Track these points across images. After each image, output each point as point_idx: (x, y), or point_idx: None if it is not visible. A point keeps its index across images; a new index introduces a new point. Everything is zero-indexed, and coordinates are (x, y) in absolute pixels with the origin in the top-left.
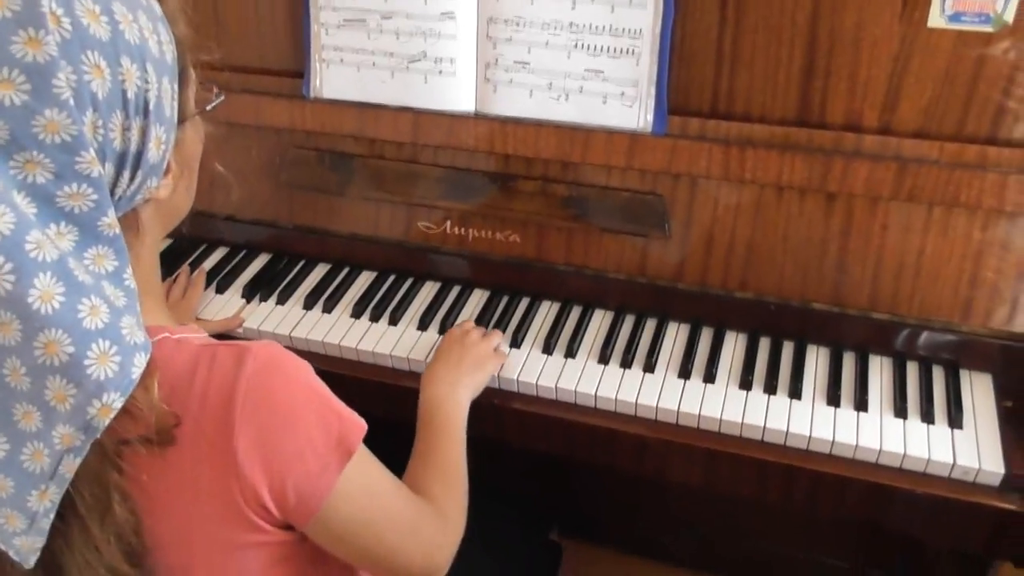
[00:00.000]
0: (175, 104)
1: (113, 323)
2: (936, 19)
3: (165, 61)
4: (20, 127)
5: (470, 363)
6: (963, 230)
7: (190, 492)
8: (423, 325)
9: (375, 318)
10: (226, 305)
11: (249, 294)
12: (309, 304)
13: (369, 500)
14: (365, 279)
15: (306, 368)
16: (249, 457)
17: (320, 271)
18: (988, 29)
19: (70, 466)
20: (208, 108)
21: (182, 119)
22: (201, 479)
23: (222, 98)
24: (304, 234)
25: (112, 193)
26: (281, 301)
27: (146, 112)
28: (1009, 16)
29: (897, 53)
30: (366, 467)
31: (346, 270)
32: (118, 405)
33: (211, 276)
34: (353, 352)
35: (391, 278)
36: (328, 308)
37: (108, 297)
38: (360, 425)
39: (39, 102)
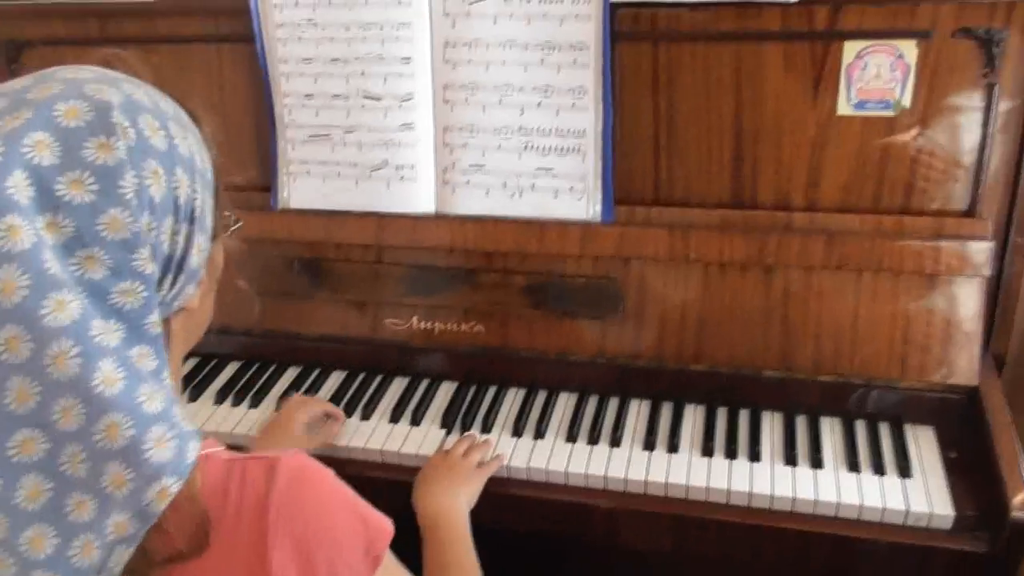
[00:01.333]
0: (212, 218)
1: (168, 409)
2: (844, 107)
3: (207, 177)
4: (85, 225)
5: (461, 479)
6: (890, 292)
7: None
8: (395, 418)
9: (348, 413)
10: (199, 411)
11: (222, 399)
12: (282, 406)
13: None
14: (336, 379)
15: (332, 475)
16: (283, 570)
17: (291, 374)
18: (890, 113)
19: (120, 558)
20: (233, 228)
21: (215, 235)
22: None
23: (241, 223)
24: (274, 339)
25: (156, 295)
26: (254, 404)
27: (192, 219)
28: (907, 101)
29: (814, 139)
30: (392, 571)
31: (317, 371)
32: (175, 489)
33: (183, 385)
34: (328, 447)
35: (361, 376)
36: None
37: (155, 390)
38: (387, 530)
39: (106, 201)
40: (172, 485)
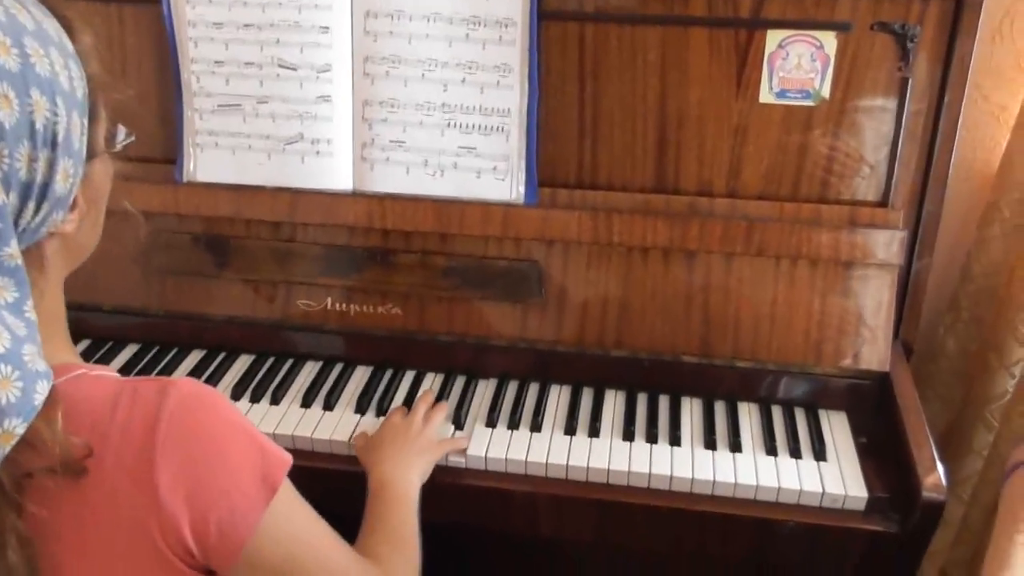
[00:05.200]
0: (84, 139)
1: (14, 350)
2: (766, 95)
3: (75, 96)
4: None
5: (417, 449)
6: (807, 280)
7: (107, 530)
8: (306, 403)
9: (255, 399)
10: None
11: None
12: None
13: (296, 539)
14: (243, 363)
15: (229, 403)
16: (171, 491)
17: (195, 357)
18: (810, 103)
19: None
20: (118, 145)
21: (91, 155)
22: (120, 516)
23: (132, 138)
24: (176, 320)
25: (16, 224)
26: None
27: (54, 144)
28: (826, 91)
29: (736, 126)
30: (293, 504)
31: (222, 355)
32: (20, 431)
33: None
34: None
35: (271, 360)
36: None
37: (9, 326)
38: (284, 459)
39: None
40: (16, 427)
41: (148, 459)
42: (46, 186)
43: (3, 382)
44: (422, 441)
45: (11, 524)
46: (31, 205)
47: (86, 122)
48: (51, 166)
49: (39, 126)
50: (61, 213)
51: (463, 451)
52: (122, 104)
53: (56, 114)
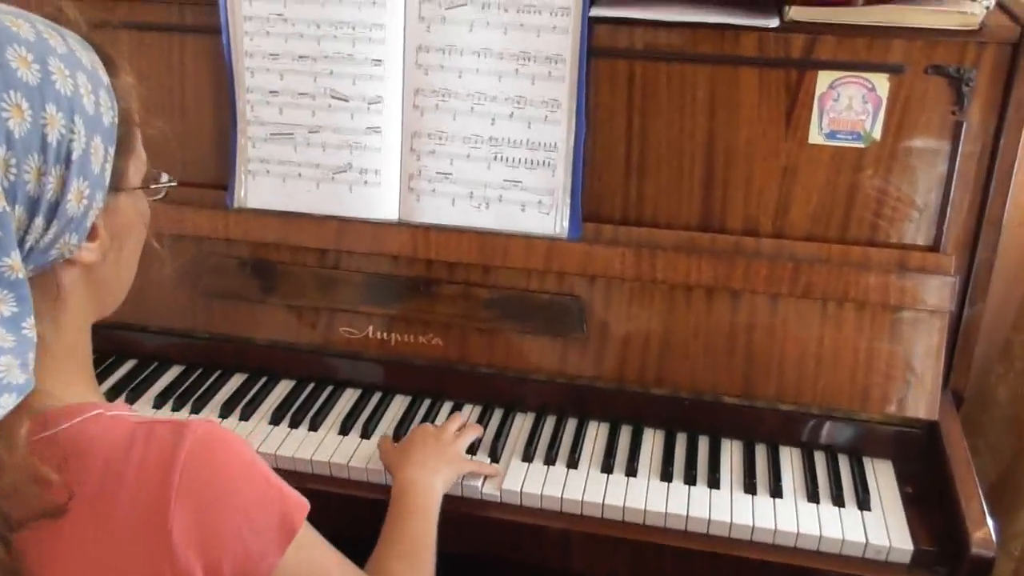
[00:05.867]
0: (108, 167)
1: None
2: (815, 136)
3: (101, 122)
4: None
5: (447, 459)
6: (854, 323)
7: (117, 572)
8: (344, 430)
9: (295, 424)
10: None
11: (161, 403)
12: (225, 413)
13: None
14: (284, 387)
15: (247, 445)
16: (185, 536)
17: (237, 380)
18: (860, 145)
19: None
20: (152, 187)
21: (118, 187)
22: (132, 559)
23: (174, 183)
24: (220, 343)
25: (23, 240)
26: (196, 410)
27: (68, 162)
28: (877, 133)
29: (784, 166)
30: (310, 548)
31: (264, 379)
32: None
33: (120, 388)
34: (272, 458)
35: (310, 386)
36: (245, 416)
37: None
38: (303, 503)
39: None
40: None
41: (163, 504)
42: (56, 204)
43: None
44: (452, 451)
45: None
46: (39, 221)
47: (112, 150)
48: (63, 184)
49: (52, 140)
50: (75, 237)
51: (495, 481)
52: (172, 135)
53: (72, 132)
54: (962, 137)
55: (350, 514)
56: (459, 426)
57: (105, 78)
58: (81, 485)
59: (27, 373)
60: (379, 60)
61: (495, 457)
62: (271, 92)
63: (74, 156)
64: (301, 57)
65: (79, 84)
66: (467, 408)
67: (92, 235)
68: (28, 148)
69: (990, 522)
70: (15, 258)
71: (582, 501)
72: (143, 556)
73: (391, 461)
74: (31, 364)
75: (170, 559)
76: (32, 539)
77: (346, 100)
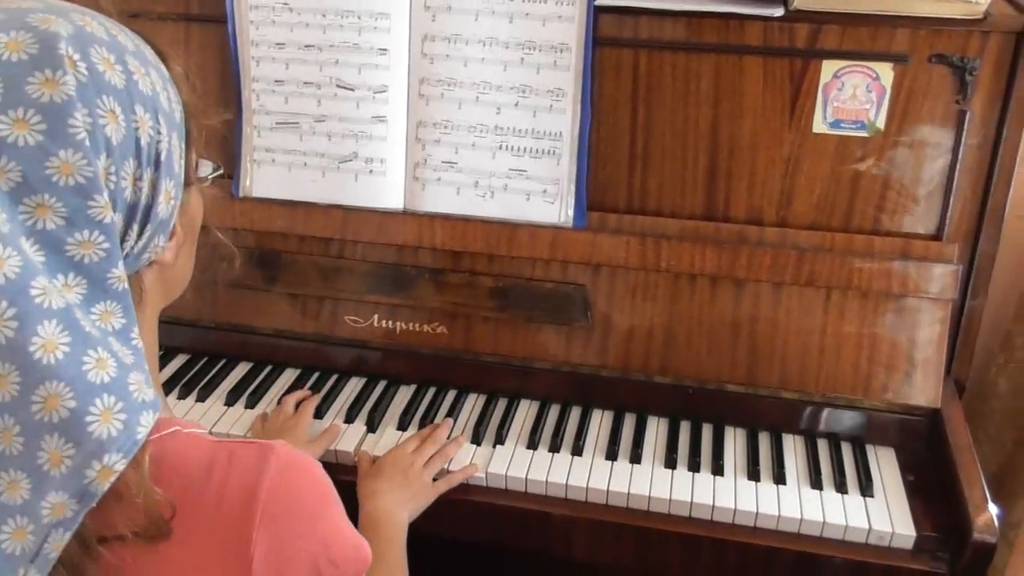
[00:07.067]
0: (183, 163)
1: (120, 378)
2: (819, 125)
3: (174, 118)
4: (33, 169)
5: (412, 492)
6: (857, 312)
7: None
8: (350, 419)
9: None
10: None
11: (167, 392)
12: (231, 400)
13: None
14: (289, 376)
15: (322, 470)
16: (264, 564)
17: (242, 369)
18: (864, 134)
19: (57, 544)
20: (210, 176)
21: (188, 182)
22: None
23: (220, 171)
24: (225, 332)
25: (120, 247)
26: (201, 398)
27: (157, 164)
28: (881, 123)
29: (788, 156)
30: None
31: (269, 367)
32: (120, 467)
33: None
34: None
35: (315, 375)
36: (251, 404)
37: (115, 352)
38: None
39: (54, 143)
40: (116, 463)
41: (246, 529)
42: (149, 208)
43: (105, 414)
44: (418, 484)
45: None
46: (135, 228)
47: (184, 146)
48: (154, 186)
49: (143, 143)
50: (162, 239)
51: (500, 468)
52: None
53: (159, 132)
54: (965, 126)
55: (354, 502)
56: (433, 451)
57: (166, 71)
58: None
59: (151, 387)
60: (385, 49)
61: (500, 442)
62: (277, 81)
63: (162, 157)
64: (307, 46)
65: (154, 82)
66: (472, 396)
67: (171, 233)
68: (125, 154)
69: (992, 507)
70: (121, 268)
71: (587, 488)
72: None
73: (360, 485)
74: (149, 377)
75: None
76: (107, 554)
77: (352, 89)
